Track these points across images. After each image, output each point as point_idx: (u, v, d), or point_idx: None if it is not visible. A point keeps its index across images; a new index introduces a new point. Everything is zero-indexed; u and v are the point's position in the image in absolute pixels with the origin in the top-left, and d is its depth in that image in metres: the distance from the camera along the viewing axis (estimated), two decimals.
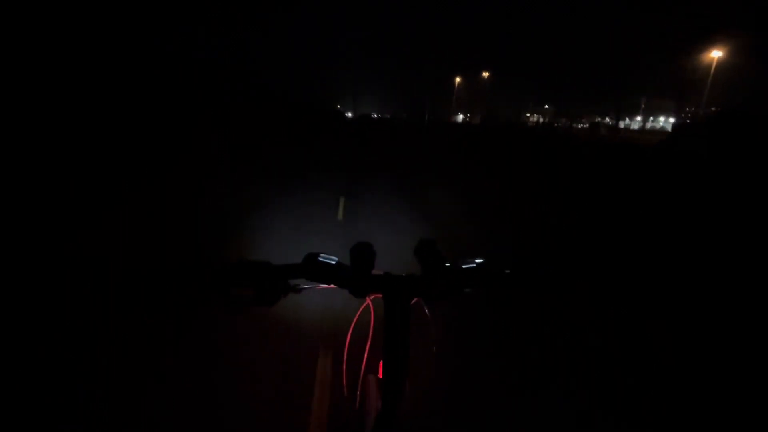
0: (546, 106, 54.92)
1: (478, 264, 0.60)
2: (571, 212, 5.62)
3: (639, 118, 47.56)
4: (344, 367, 0.65)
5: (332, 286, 0.58)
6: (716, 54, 24.58)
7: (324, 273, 0.57)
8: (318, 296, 0.80)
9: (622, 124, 45.44)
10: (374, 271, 0.58)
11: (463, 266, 0.59)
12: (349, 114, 67.02)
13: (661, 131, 34.80)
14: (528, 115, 53.42)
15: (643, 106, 45.98)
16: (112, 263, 3.09)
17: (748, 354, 2.41)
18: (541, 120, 51.70)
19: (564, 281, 0.59)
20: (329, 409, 1.76)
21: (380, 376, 0.59)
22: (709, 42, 25.32)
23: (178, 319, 2.36)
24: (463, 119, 60.11)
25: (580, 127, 45.53)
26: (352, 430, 0.71)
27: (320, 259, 0.57)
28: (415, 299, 0.59)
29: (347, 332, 0.65)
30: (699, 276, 3.45)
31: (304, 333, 2.31)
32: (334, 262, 0.58)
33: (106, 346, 2.08)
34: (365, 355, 0.63)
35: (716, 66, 24.55)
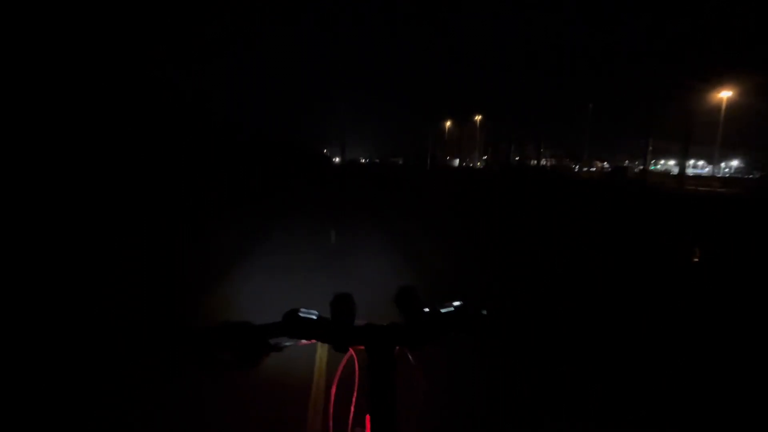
0: (542, 150, 56.97)
1: (456, 307, 0.65)
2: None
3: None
4: (330, 422, 0.68)
5: (314, 341, 0.62)
6: (725, 94, 26.14)
7: (305, 329, 0.61)
8: (302, 350, 0.91)
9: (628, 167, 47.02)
10: (356, 322, 0.62)
11: (442, 310, 0.64)
12: (337, 159, 68.45)
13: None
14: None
15: (650, 148, 48.20)
16: (86, 325, 3.11)
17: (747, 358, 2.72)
18: (550, 163, 53.11)
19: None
20: None
21: (368, 430, 0.61)
22: (718, 82, 27.05)
23: (159, 383, 2.45)
24: (460, 163, 61.75)
25: (586, 170, 46.92)
26: None
27: (300, 314, 0.62)
28: (397, 348, 0.63)
29: (332, 385, 0.69)
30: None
31: (291, 388, 2.42)
32: (315, 317, 0.62)
33: (87, 410, 2.14)
34: (351, 409, 0.66)
35: (726, 106, 26.00)
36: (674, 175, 33.54)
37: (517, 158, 49.74)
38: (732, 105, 26.72)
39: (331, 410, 0.67)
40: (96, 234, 5.46)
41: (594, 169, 51.98)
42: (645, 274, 4.90)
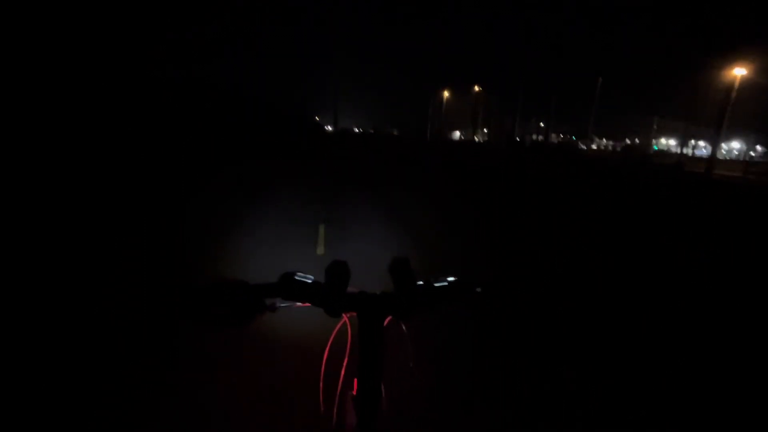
0: (541, 124, 55.85)
1: (450, 282, 0.67)
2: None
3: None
4: (321, 384, 0.72)
5: (308, 304, 0.65)
6: (739, 72, 25.62)
7: (299, 292, 0.64)
8: (297, 313, 0.78)
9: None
10: (349, 289, 0.65)
11: (435, 284, 0.67)
12: (329, 127, 66.91)
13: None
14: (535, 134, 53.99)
15: (655, 127, 47.90)
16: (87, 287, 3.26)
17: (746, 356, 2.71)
18: (559, 139, 52.02)
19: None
20: (305, 426, 1.86)
21: (354, 392, 0.65)
22: (731, 58, 26.45)
23: (153, 338, 2.56)
24: (460, 137, 60.86)
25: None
26: None
27: (296, 278, 0.64)
28: (389, 317, 0.66)
29: (325, 349, 0.74)
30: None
31: (284, 350, 2.47)
32: (310, 281, 0.64)
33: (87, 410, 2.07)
34: (342, 372, 0.70)
35: (739, 84, 25.53)
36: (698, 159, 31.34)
37: (514, 133, 48.83)
38: (741, 84, 26.31)
39: (323, 373, 0.71)
40: (95, 226, 5.18)
41: (594, 146, 51.59)
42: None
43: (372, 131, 71.12)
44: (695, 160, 32.00)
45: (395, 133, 68.02)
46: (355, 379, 0.65)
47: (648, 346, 2.80)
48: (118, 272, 3.53)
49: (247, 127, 14.43)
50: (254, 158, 13.94)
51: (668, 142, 55.40)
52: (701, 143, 49.64)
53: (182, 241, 4.46)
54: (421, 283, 0.66)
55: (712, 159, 20.83)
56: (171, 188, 7.68)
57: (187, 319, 0.57)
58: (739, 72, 25.53)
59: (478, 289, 0.68)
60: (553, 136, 54.05)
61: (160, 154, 9.90)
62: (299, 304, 0.65)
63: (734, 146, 50.53)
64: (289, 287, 0.63)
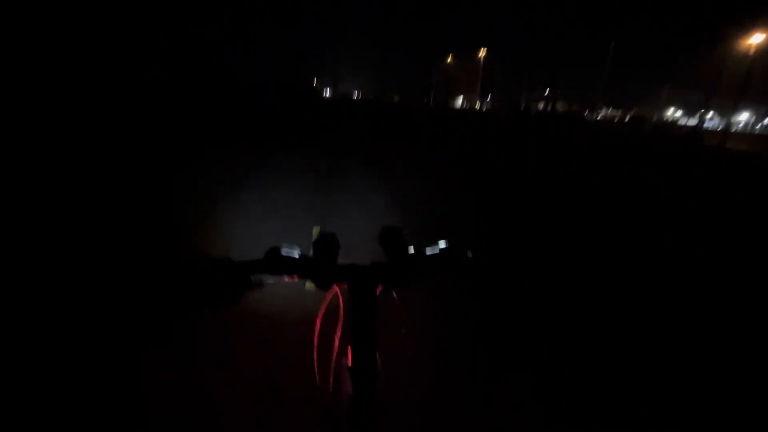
0: (556, 92, 54.08)
1: (441, 250, 0.66)
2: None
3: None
4: (315, 354, 0.73)
5: (296, 278, 0.64)
6: (757, 39, 24.67)
7: (287, 266, 0.63)
8: (288, 286, 0.94)
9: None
10: (339, 261, 0.64)
11: (427, 252, 0.66)
12: (327, 93, 65.18)
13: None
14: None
15: (663, 97, 46.66)
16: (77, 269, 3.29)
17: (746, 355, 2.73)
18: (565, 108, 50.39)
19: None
20: (304, 395, 1.93)
21: (349, 362, 0.66)
22: (747, 25, 25.42)
23: (153, 338, 2.52)
24: (462, 104, 59.41)
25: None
26: (328, 416, 0.76)
27: (282, 252, 0.63)
28: (381, 287, 0.66)
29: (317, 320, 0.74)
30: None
31: (278, 323, 2.53)
32: (296, 255, 0.64)
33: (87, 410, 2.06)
34: (336, 342, 0.70)
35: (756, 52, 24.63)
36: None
37: (520, 101, 47.56)
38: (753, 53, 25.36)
39: (316, 342, 0.72)
40: (94, 225, 5.02)
41: (601, 116, 50.43)
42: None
43: (371, 98, 69.26)
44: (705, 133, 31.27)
45: (396, 99, 66.31)
46: (349, 347, 0.64)
47: (648, 346, 2.79)
48: (118, 271, 3.47)
49: (247, 127, 14.18)
50: (252, 157, 13.87)
51: (676, 114, 54.16)
52: (708, 115, 48.54)
53: (181, 240, 4.34)
54: (411, 251, 0.65)
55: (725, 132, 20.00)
56: (169, 186, 7.53)
57: (182, 308, 0.59)
58: (756, 39, 24.62)
59: (470, 254, 0.66)
60: (560, 104, 52.64)
61: (159, 153, 9.72)
62: (287, 278, 0.64)
63: (742, 118, 49.49)
64: (276, 262, 0.62)
